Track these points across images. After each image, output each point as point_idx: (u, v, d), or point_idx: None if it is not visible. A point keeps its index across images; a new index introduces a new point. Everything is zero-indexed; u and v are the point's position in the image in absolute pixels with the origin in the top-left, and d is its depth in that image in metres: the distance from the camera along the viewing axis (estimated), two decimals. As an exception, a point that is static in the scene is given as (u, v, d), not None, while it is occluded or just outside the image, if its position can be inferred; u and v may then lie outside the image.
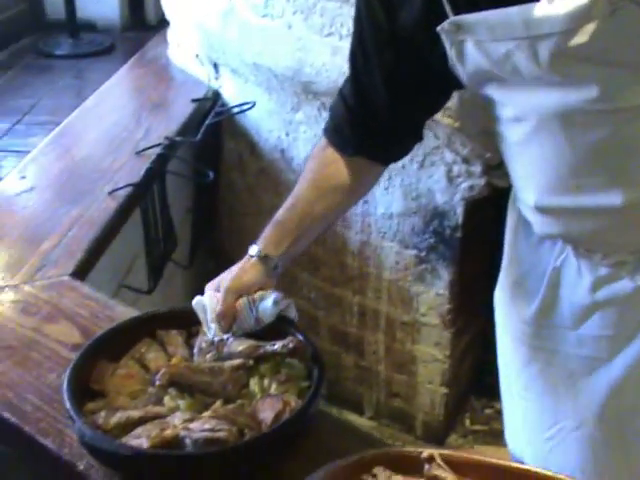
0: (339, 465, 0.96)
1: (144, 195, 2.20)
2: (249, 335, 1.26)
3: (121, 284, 2.12)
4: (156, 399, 1.17)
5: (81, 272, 1.73)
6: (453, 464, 0.96)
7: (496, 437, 2.68)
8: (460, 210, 2.29)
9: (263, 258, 1.28)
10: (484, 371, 2.83)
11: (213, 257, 2.95)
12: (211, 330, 1.26)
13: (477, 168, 2.18)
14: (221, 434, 1.06)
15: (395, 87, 1.20)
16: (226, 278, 1.28)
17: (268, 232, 1.31)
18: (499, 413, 2.74)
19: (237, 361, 1.20)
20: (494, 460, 0.98)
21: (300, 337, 1.23)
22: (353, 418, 2.70)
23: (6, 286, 1.63)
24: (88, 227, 1.88)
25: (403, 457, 0.98)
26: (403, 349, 2.60)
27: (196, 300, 1.29)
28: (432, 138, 2.16)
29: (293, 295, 2.69)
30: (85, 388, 1.17)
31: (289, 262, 1.33)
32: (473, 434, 2.73)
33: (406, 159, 2.28)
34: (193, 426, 1.08)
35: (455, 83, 1.16)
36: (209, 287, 1.31)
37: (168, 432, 1.06)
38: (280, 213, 1.32)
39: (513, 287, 1.36)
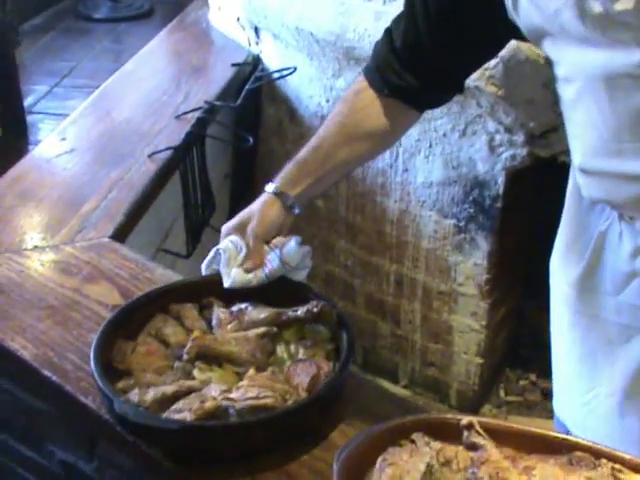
0: (378, 430, 0.96)
1: (184, 159, 2.20)
2: (269, 303, 1.25)
3: (159, 248, 2.13)
4: (183, 373, 1.16)
5: (120, 235, 1.73)
6: (491, 432, 0.96)
7: (530, 408, 2.68)
8: (501, 180, 2.27)
9: (279, 194, 1.27)
10: (520, 344, 2.82)
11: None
12: (231, 276, 1.24)
13: (520, 137, 2.15)
14: (267, 400, 1.06)
15: (450, 32, 1.19)
16: (252, 223, 1.26)
17: (287, 170, 1.30)
18: (534, 384, 2.75)
19: (261, 329, 1.20)
20: (532, 429, 0.98)
21: (322, 301, 1.22)
22: (388, 386, 2.70)
23: (47, 246, 1.64)
24: (128, 190, 1.89)
25: (442, 424, 0.98)
26: (439, 318, 2.60)
27: (213, 252, 1.27)
28: (475, 106, 2.14)
29: (330, 263, 2.67)
30: (107, 368, 1.16)
31: (304, 206, 1.31)
32: (507, 405, 2.73)
33: (447, 127, 2.26)
34: (234, 396, 1.08)
35: (511, 34, 1.15)
36: (226, 231, 1.29)
37: (209, 404, 1.06)
38: (302, 153, 1.30)
39: (565, 249, 1.35)
